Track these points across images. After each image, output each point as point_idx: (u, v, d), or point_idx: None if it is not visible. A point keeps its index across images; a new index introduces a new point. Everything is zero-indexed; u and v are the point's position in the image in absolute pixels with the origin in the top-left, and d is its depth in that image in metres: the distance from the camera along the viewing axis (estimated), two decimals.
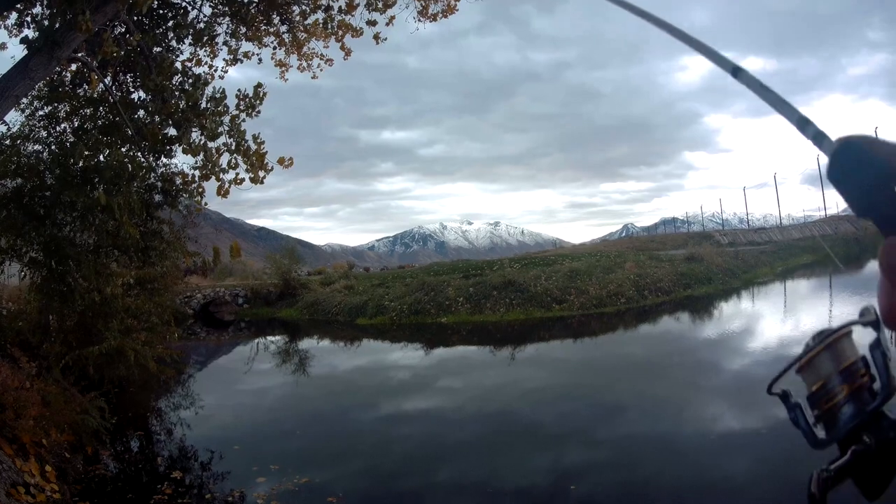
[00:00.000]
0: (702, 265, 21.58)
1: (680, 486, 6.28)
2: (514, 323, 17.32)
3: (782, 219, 37.31)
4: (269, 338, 18.80)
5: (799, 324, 12.41)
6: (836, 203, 37.29)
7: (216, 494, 6.61)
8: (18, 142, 9.02)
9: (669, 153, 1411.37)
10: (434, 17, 10.70)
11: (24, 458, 5.74)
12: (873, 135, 0.54)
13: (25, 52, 6.93)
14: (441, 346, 15.65)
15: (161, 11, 9.25)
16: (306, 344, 17.73)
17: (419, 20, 10.63)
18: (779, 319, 14.61)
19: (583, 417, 8.79)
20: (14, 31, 8.92)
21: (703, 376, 10.44)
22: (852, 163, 0.52)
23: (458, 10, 10.81)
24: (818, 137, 0.58)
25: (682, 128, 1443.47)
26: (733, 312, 17.29)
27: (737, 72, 0.71)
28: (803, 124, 0.60)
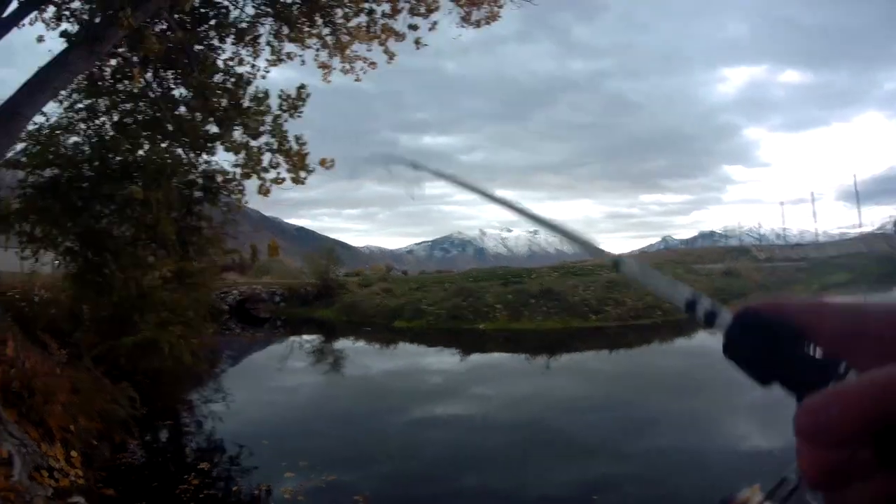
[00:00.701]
0: (739, 280, 21.10)
1: (705, 502, 6.08)
2: (551, 332, 17.13)
3: (818, 235, 36.63)
4: (305, 337, 18.89)
5: None
6: (871, 221, 36.72)
7: (243, 487, 6.64)
8: (58, 132, 9.18)
9: (707, 165, 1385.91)
10: (477, 24, 10.66)
11: (49, 443, 5.82)
12: (773, 297, 0.46)
13: (65, 45, 7.07)
14: (477, 353, 15.53)
15: (203, 10, 9.35)
16: (341, 344, 17.79)
17: (461, 26, 10.59)
18: None
19: (613, 429, 8.60)
20: (52, 24, 9.10)
21: (737, 393, 10.13)
22: (751, 334, 0.44)
23: (500, 18, 10.77)
24: (710, 317, 0.49)
25: (720, 140, 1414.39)
26: None
27: (618, 265, 0.61)
28: (692, 306, 0.51)
